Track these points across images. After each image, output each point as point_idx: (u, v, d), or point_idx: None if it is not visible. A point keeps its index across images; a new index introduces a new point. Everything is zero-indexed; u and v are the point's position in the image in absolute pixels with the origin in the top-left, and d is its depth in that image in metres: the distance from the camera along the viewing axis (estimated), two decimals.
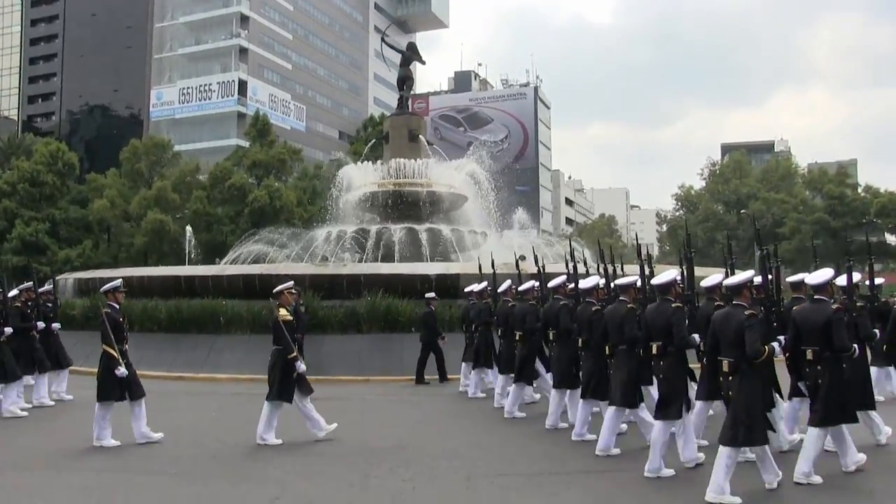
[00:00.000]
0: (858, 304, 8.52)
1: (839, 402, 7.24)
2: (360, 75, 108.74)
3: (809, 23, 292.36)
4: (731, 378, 6.81)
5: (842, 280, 8.31)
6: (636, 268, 8.98)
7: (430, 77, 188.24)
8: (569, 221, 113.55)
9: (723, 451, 6.63)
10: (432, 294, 15.88)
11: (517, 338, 11.38)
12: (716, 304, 7.92)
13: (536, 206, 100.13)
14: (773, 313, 7.13)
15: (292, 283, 10.41)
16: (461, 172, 30.18)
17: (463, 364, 14.45)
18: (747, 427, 6.60)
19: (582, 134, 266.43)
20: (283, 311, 9.68)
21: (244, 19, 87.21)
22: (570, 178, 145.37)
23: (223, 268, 23.77)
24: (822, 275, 7.64)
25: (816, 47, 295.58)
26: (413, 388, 15.01)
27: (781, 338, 6.98)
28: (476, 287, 14.20)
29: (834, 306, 7.41)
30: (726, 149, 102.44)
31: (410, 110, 31.11)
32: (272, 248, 28.38)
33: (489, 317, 13.32)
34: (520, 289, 11.97)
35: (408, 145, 28.65)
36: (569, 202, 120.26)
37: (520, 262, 15.41)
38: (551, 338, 10.54)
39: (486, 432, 10.26)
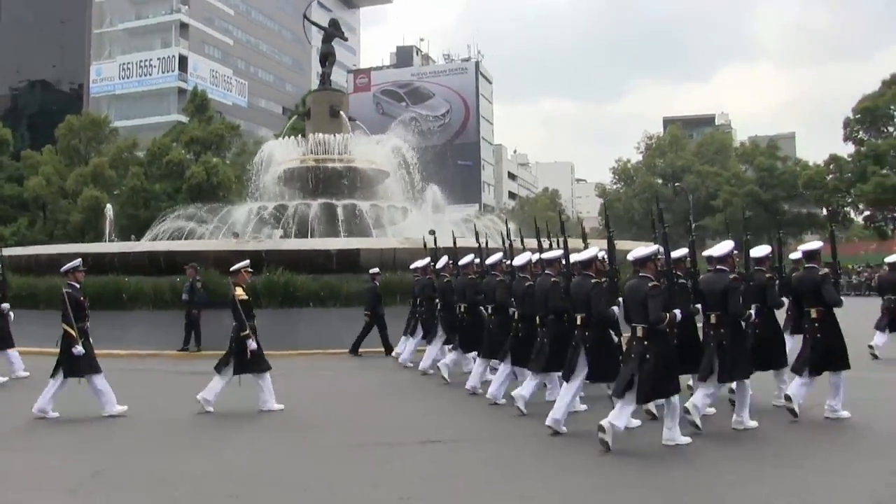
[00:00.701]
0: (767, 274, 9.40)
1: (740, 359, 8.24)
2: (303, 51, 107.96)
3: (756, 2, 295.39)
4: (644, 342, 7.60)
5: (757, 252, 9.43)
6: (578, 242, 9.59)
7: (376, 52, 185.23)
8: (511, 195, 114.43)
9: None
10: (376, 270, 16.56)
11: (462, 311, 12.30)
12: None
13: (478, 180, 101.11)
14: (676, 284, 8.01)
15: (248, 261, 10.68)
16: (384, 148, 30.86)
17: (403, 337, 15.06)
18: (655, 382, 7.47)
19: (532, 109, 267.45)
20: (238, 290, 10.19)
21: None
22: (514, 152, 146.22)
23: (131, 245, 24.26)
24: (722, 247, 8.65)
25: (765, 27, 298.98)
26: (350, 359, 15.87)
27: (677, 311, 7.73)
28: (420, 263, 14.78)
29: (731, 276, 8.33)
30: (667, 122, 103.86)
31: (332, 86, 31.51)
32: (192, 223, 28.73)
33: (432, 292, 13.83)
34: (459, 263, 12.77)
35: (329, 121, 29.26)
36: (511, 176, 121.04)
37: (427, 235, 16.46)
38: (489, 311, 11.40)
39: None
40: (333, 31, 31.29)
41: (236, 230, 26.86)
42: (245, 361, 10.00)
